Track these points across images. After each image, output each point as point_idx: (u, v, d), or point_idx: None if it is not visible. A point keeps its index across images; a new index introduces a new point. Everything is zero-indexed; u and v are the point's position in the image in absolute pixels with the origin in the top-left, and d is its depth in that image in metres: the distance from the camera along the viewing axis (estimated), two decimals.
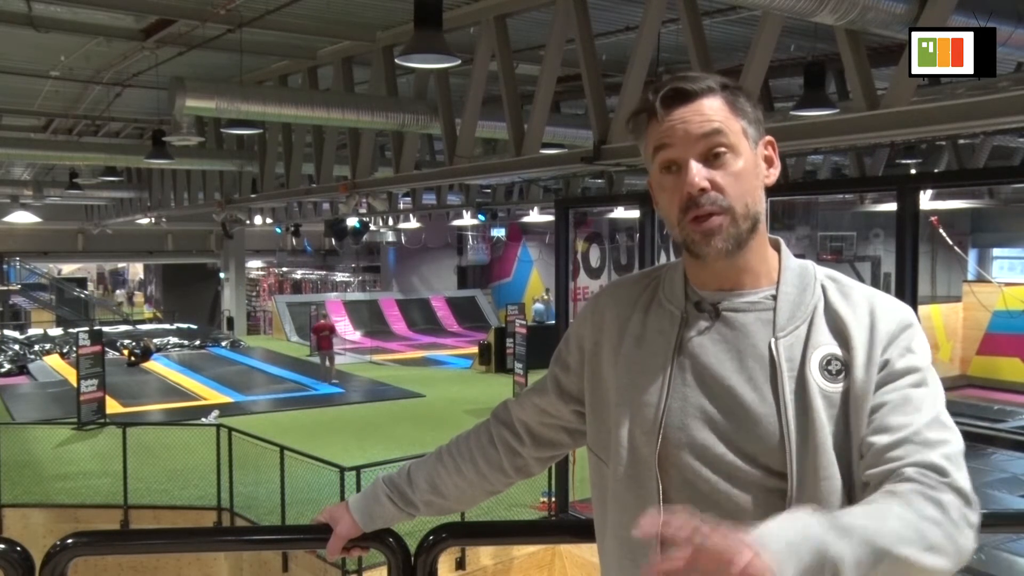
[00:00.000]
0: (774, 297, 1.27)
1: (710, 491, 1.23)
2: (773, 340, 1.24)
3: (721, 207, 1.22)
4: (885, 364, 1.22)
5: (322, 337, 19.22)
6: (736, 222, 1.23)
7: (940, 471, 1.12)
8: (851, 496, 1.20)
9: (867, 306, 1.25)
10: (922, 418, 1.18)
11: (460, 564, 8.86)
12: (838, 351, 1.23)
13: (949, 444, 1.16)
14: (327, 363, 19.07)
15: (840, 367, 1.22)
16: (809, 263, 1.32)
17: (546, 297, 23.06)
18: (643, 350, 1.31)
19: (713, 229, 1.22)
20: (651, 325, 1.32)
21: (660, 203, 1.28)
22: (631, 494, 1.28)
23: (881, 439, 1.17)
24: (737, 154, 1.23)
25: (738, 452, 1.22)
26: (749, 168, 1.24)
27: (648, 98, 1.26)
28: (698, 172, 1.21)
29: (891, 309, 1.26)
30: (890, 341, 1.23)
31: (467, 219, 22.55)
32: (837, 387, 1.21)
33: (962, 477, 1.13)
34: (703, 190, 1.21)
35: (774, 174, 1.30)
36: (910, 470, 1.12)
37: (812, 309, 1.26)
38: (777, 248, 1.32)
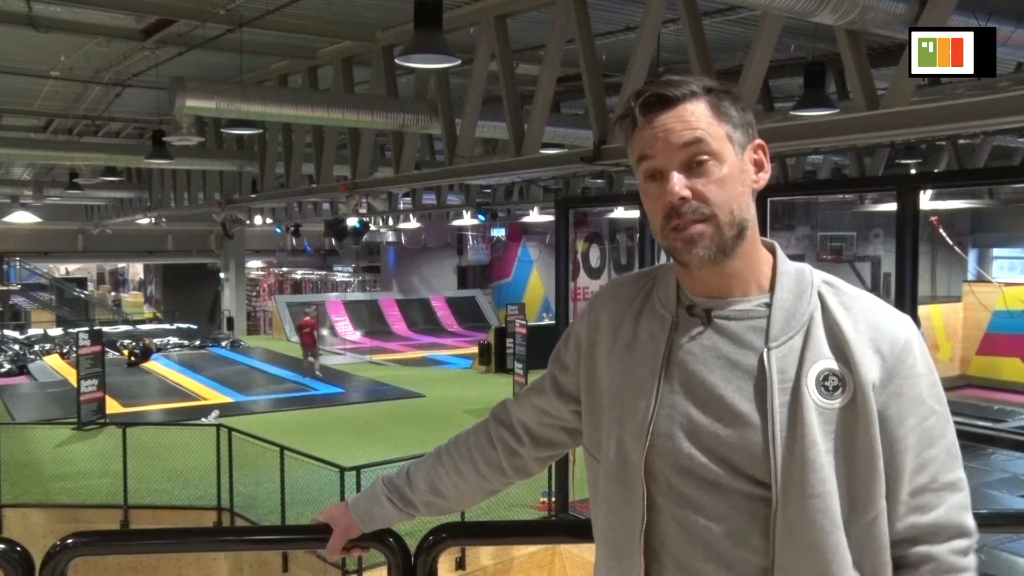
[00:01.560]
0: (768, 305, 1.25)
1: (694, 498, 1.22)
2: (765, 351, 1.22)
3: (703, 215, 1.20)
4: (896, 397, 1.21)
5: (304, 333, 19.76)
6: (720, 230, 1.21)
7: (965, 532, 1.23)
8: (851, 518, 1.19)
9: (869, 320, 1.24)
10: (938, 455, 1.23)
11: (460, 564, 8.86)
12: (836, 366, 1.21)
13: (963, 484, 1.24)
14: (309, 359, 19.73)
15: (837, 383, 1.20)
16: (806, 267, 1.29)
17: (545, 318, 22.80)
18: (634, 354, 1.30)
19: (694, 237, 1.21)
20: (643, 328, 1.31)
21: (647, 209, 1.27)
22: (619, 497, 1.28)
23: (900, 489, 1.21)
24: (720, 161, 1.21)
25: (722, 462, 1.21)
26: (733, 174, 1.22)
27: (630, 105, 1.24)
28: (679, 182, 1.20)
29: (894, 324, 1.24)
30: (896, 363, 1.22)
31: (467, 219, 22.56)
32: (834, 403, 1.19)
33: (973, 522, 1.24)
34: (684, 199, 1.20)
35: (763, 178, 1.27)
36: (944, 553, 1.22)
37: (808, 318, 1.24)
38: (772, 252, 1.30)
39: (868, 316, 1.24)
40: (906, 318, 1.27)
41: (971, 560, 1.23)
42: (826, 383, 1.20)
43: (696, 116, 1.21)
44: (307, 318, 20.67)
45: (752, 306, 1.26)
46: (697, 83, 1.23)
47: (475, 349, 22.03)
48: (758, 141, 1.27)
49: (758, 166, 1.27)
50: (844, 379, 1.20)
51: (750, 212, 1.25)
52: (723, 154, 1.22)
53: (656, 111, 1.22)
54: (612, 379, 1.32)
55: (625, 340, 1.32)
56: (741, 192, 1.23)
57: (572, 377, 1.42)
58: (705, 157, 1.21)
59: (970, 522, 1.23)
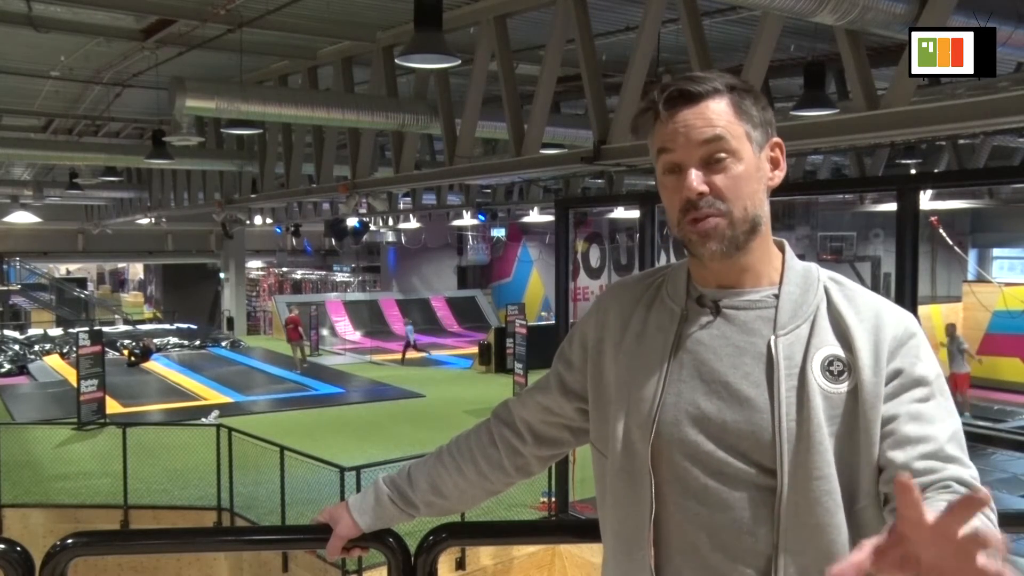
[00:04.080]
0: (776, 296, 1.28)
1: (700, 487, 1.24)
2: (773, 338, 1.25)
3: (719, 210, 1.23)
4: (896, 374, 1.23)
5: (289, 330, 21.01)
6: (733, 225, 1.24)
7: (976, 489, 1.13)
8: (853, 500, 1.21)
9: (872, 310, 1.27)
10: (941, 432, 1.20)
11: (460, 564, 8.86)
12: (840, 352, 1.23)
13: (971, 465, 1.19)
14: (297, 354, 20.72)
15: (842, 368, 1.23)
16: (813, 265, 1.33)
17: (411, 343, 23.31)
18: (642, 346, 1.32)
19: (709, 231, 1.24)
20: (652, 322, 1.34)
21: (664, 201, 1.30)
22: (626, 488, 1.29)
23: (901, 454, 1.19)
24: (738, 159, 1.24)
25: (729, 449, 1.23)
26: (750, 172, 1.25)
27: (653, 98, 1.27)
28: (696, 177, 1.23)
29: (896, 315, 1.27)
30: (897, 347, 1.24)
31: (467, 219, 22.56)
32: (839, 388, 1.22)
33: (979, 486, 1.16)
34: (701, 194, 1.23)
35: (779, 176, 1.30)
36: (956, 485, 1.15)
37: (814, 309, 1.27)
38: (781, 250, 1.34)
39: (871, 307, 1.27)
40: (909, 314, 1.30)
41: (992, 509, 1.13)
42: (831, 368, 1.23)
43: (717, 114, 1.24)
44: (291, 315, 21.64)
45: (760, 296, 1.29)
46: (720, 80, 1.26)
47: (475, 349, 22.05)
48: (776, 139, 1.30)
49: (774, 164, 1.30)
50: (848, 365, 1.23)
51: (764, 209, 1.28)
52: (741, 152, 1.24)
53: (679, 106, 1.24)
54: (619, 372, 1.34)
55: (633, 334, 1.35)
56: (756, 189, 1.26)
57: (577, 375, 1.43)
58: (723, 154, 1.23)
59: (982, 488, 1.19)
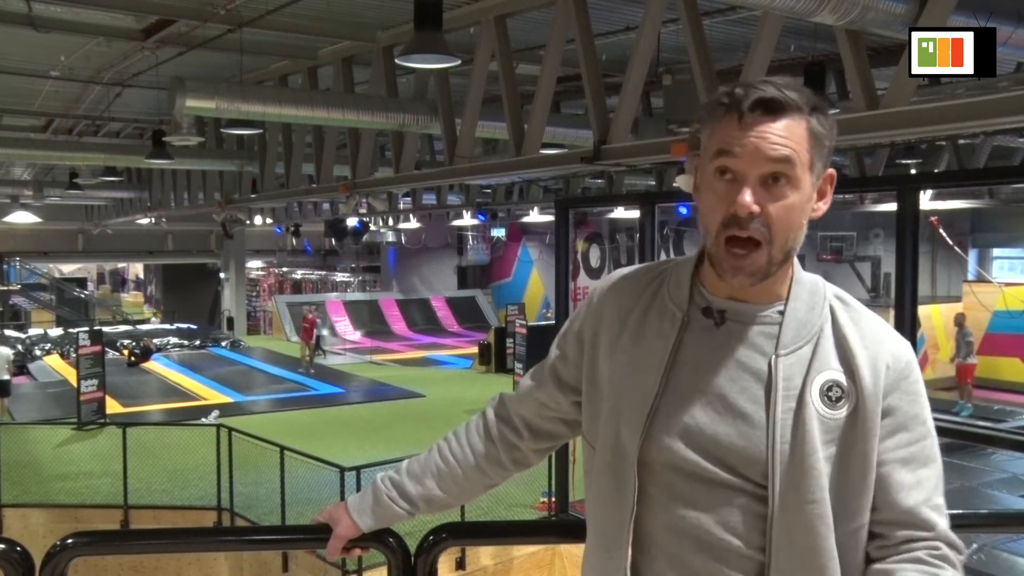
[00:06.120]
0: (781, 313, 1.26)
1: (686, 493, 1.24)
2: (774, 357, 1.23)
3: (763, 237, 1.19)
4: (894, 410, 1.23)
5: (304, 330, 21.19)
6: (771, 257, 1.21)
7: (958, 547, 1.24)
8: (843, 524, 1.21)
9: (875, 337, 1.26)
10: (930, 476, 1.24)
11: (460, 564, 8.86)
12: (841, 378, 1.23)
13: (944, 512, 1.26)
14: (306, 354, 20.86)
15: (840, 395, 1.22)
16: (819, 279, 1.30)
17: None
18: (640, 348, 1.31)
19: (744, 266, 1.21)
20: (651, 324, 1.32)
21: (703, 201, 1.24)
22: (611, 486, 1.29)
23: (895, 500, 1.22)
24: (796, 187, 1.20)
25: (718, 461, 1.22)
26: (803, 203, 1.21)
27: (737, 94, 1.20)
28: (752, 195, 1.18)
29: (898, 345, 1.27)
30: (897, 379, 1.24)
31: (467, 219, 22.55)
32: (837, 414, 1.22)
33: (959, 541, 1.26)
34: (752, 214, 1.18)
35: (822, 208, 1.26)
36: (944, 548, 1.22)
37: (818, 329, 1.25)
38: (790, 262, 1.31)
39: (874, 333, 1.27)
40: (907, 343, 1.30)
41: (960, 569, 1.24)
42: (830, 393, 1.22)
43: (793, 134, 1.19)
44: (309, 316, 21.67)
45: (766, 312, 1.27)
46: (804, 98, 1.21)
47: (475, 349, 22.05)
48: (830, 171, 1.26)
49: (821, 195, 1.26)
50: (847, 391, 1.22)
51: (800, 242, 1.24)
52: (801, 181, 1.20)
53: (759, 112, 1.19)
54: (614, 370, 1.32)
55: (631, 333, 1.33)
56: (801, 223, 1.23)
57: (573, 368, 1.43)
58: (784, 180, 1.19)
59: (961, 543, 1.26)
